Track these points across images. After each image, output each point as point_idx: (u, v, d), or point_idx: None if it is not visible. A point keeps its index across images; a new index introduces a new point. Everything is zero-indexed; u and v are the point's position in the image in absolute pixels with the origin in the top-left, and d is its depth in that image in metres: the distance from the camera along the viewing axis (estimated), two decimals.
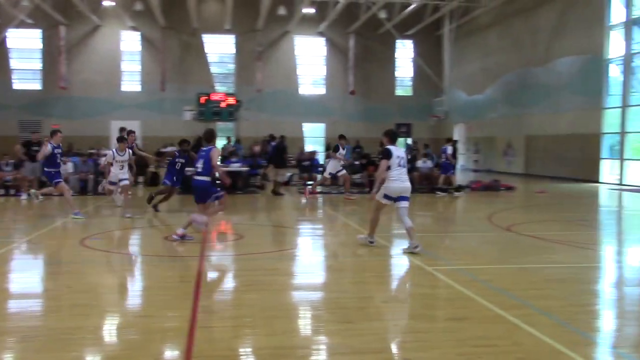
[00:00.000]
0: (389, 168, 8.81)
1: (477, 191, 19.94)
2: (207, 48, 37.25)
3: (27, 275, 7.94)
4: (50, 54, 35.81)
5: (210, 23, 36.65)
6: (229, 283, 7.50)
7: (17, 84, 36.16)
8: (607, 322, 5.88)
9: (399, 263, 8.69)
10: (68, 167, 17.80)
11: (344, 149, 17.85)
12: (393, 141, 9.10)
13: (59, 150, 12.85)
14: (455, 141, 20.86)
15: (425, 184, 19.67)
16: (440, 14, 35.28)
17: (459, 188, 19.22)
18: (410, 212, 11.60)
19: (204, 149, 9.67)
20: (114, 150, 13.48)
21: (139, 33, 36.39)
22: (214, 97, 26.44)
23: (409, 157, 19.19)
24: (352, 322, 5.47)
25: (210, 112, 25.52)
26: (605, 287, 7.41)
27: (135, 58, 36.91)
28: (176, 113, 32.18)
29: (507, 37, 31.73)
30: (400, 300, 6.63)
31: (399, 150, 8.93)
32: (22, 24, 34.01)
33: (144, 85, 36.77)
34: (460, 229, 12.50)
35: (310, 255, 9.50)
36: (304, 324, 5.73)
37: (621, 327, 5.64)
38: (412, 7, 33.08)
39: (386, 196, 8.93)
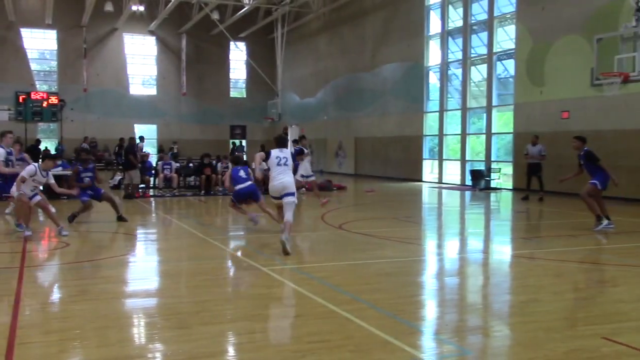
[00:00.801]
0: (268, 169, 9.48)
1: (311, 192, 20.49)
2: (26, 43, 34.61)
3: None
4: None
5: (29, 17, 34.12)
6: (53, 294, 7.04)
7: None
8: (430, 311, 6.32)
9: (234, 265, 8.72)
10: None
11: (308, 148, 17.61)
12: (278, 145, 9.72)
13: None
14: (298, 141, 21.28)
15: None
16: (273, 18, 35.82)
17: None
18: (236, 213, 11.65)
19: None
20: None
21: None
22: (35, 96, 24.67)
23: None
24: (188, 327, 5.38)
25: (30, 112, 23.77)
26: (428, 279, 7.97)
27: None
28: None
29: (336, 43, 32.99)
30: (236, 301, 6.63)
31: (281, 152, 9.51)
32: None
33: None
34: (294, 229, 12.77)
35: (143, 261, 9.20)
36: (138, 332, 5.53)
37: (442, 315, 6.10)
38: (244, 9, 33.23)
39: (272, 196, 9.57)
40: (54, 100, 24.28)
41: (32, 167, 10.89)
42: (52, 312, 6.19)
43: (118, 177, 21.35)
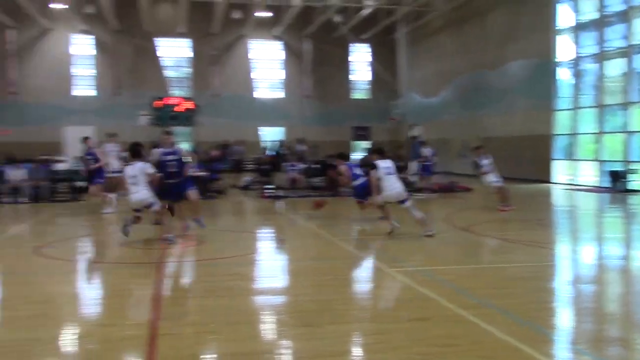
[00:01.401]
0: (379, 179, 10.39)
1: (434, 193, 20.19)
2: (161, 52, 36.80)
3: None
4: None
5: (164, 26, 36.22)
6: (190, 289, 7.42)
7: None
8: (564, 318, 6.02)
9: (359, 265, 8.76)
10: (20, 173, 17.36)
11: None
12: (379, 155, 10.78)
13: None
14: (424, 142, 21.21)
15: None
16: (394, 18, 35.66)
17: (421, 190, 19.45)
18: (371, 214, 11.73)
19: None
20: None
21: (90, 36, 35.72)
22: (170, 101, 26.12)
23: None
24: (314, 326, 5.48)
25: (166, 116, 25.19)
26: (562, 285, 7.60)
27: (89, 62, 36.20)
28: (132, 118, 31.71)
29: (458, 41, 32.28)
30: (361, 302, 6.67)
31: (384, 162, 10.52)
32: None
33: (97, 90, 36.11)
34: (420, 231, 12.63)
35: (271, 260, 9.48)
36: (267, 328, 5.72)
37: (578, 323, 5.79)
38: (366, 11, 33.34)
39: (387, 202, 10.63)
40: (188, 105, 25.58)
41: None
42: (189, 306, 6.52)
43: (248, 178, 22.14)
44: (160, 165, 10.18)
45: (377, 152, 11.09)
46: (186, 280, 7.89)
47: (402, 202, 10.44)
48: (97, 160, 14.92)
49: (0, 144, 31.36)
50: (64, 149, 30.87)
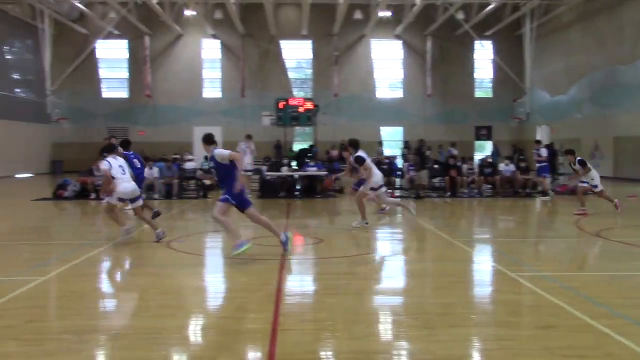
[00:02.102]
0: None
1: (563, 195, 19.27)
2: (285, 54, 37.77)
3: (117, 276, 8.32)
4: (136, 64, 37.29)
5: (288, 29, 37.14)
6: (309, 286, 7.55)
7: (106, 93, 37.84)
8: None
9: (481, 269, 8.52)
10: (154, 172, 18.45)
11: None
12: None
13: None
14: (551, 144, 20.34)
15: (508, 187, 19.22)
16: (521, 13, 34.39)
17: (545, 192, 18.67)
18: (493, 216, 11.39)
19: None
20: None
21: (219, 41, 37.32)
22: (292, 102, 26.71)
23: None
24: (433, 328, 5.39)
25: (288, 117, 25.78)
26: None
27: (216, 65, 37.86)
28: (256, 118, 32.82)
29: (590, 35, 30.54)
30: (482, 306, 6.49)
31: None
32: (109, 35, 35.59)
33: (224, 92, 37.67)
34: (545, 234, 12.11)
35: (389, 260, 9.44)
36: (385, 328, 5.70)
37: None
38: (490, 7, 32.39)
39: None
40: (309, 105, 26.03)
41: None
42: (308, 302, 6.64)
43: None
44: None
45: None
46: (306, 277, 8.03)
47: None
48: None
49: (137, 144, 33.53)
50: (193, 148, 32.48)
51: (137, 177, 12.44)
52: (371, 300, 6.68)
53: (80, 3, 31.65)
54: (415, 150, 23.35)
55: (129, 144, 13.11)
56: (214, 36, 36.90)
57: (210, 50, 37.72)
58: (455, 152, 25.01)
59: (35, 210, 16.56)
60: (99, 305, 6.66)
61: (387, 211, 14.24)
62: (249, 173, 18.73)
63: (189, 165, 20.67)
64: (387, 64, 38.58)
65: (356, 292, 6.84)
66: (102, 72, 37.91)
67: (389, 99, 38.39)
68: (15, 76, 34.48)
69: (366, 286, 7.31)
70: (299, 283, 7.68)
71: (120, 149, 12.52)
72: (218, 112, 36.84)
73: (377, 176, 11.88)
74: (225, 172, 8.70)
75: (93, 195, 17.97)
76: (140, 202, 10.72)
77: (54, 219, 15.27)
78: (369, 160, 11.92)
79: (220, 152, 8.61)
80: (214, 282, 7.83)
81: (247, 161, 18.44)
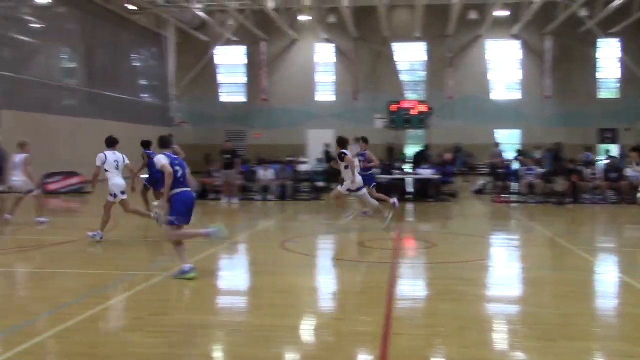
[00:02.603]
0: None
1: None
2: (398, 56, 37.60)
3: (233, 274, 8.62)
4: (253, 69, 38.52)
5: (401, 31, 36.93)
6: (421, 291, 7.46)
7: (224, 97, 39.34)
8: None
9: (605, 279, 8.07)
10: (269, 173, 18.95)
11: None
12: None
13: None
14: None
15: (635, 194, 18.03)
16: None
17: None
18: (618, 224, 10.78)
19: None
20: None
21: (332, 45, 37.77)
22: (405, 105, 26.54)
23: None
24: (552, 340, 5.16)
25: (400, 120, 25.65)
26: None
27: (329, 69, 38.35)
28: (368, 121, 32.93)
29: None
30: (606, 319, 6.14)
31: None
32: (228, 42, 36.98)
33: (337, 95, 38.07)
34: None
35: (505, 267, 9.15)
36: (500, 337, 5.53)
37: None
38: (617, 2, 30.57)
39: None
40: (423, 108, 25.76)
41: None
42: (420, 307, 6.57)
43: (482, 182, 21.67)
44: None
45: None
46: (418, 282, 7.95)
47: None
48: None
49: (253, 146, 34.63)
50: (307, 151, 33.06)
51: (153, 176, 12.60)
52: (486, 308, 6.51)
53: (201, 12, 33.10)
54: (551, 155, 22.48)
55: (149, 145, 13.57)
56: (328, 40, 37.37)
57: (324, 54, 38.25)
58: (592, 157, 23.90)
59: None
60: (216, 301, 6.94)
61: (370, 215, 13.67)
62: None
63: (302, 167, 21.06)
64: (503, 64, 37.40)
65: (469, 299, 6.68)
66: (221, 78, 39.45)
67: (505, 101, 37.19)
68: (142, 82, 36.67)
69: (481, 293, 7.13)
70: (411, 287, 7.61)
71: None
72: (330, 115, 37.26)
73: (358, 178, 11.64)
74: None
75: (212, 196, 18.72)
76: (125, 196, 10.82)
77: None
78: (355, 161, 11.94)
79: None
80: (326, 283, 7.92)
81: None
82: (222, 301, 7.02)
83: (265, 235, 12.16)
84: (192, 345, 5.12)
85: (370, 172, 13.95)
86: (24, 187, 12.33)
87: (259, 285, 7.58)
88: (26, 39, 26.34)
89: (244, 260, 9.82)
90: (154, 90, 37.42)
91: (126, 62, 34.48)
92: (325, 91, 38.40)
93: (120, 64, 33.18)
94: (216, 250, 9.82)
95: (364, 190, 11.72)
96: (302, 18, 34.21)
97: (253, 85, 38.47)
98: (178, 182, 7.63)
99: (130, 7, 31.65)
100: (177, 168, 7.67)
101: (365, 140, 14.90)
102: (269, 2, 31.09)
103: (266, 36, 37.20)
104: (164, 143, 8.17)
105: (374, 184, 13.85)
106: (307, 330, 5.78)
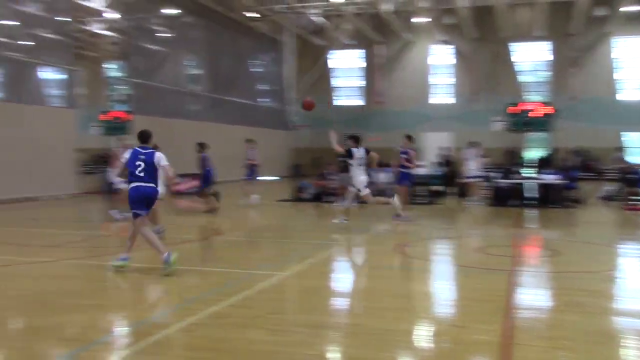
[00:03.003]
0: None
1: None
2: (518, 56, 36.36)
3: (349, 275, 8.69)
4: (368, 71, 38.67)
5: (521, 31, 35.67)
6: (544, 301, 7.16)
7: (340, 100, 39.76)
8: None
9: None
10: (384, 177, 18.90)
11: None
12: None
13: None
14: None
15: None
16: None
17: None
18: None
19: None
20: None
21: (447, 46, 37.14)
22: (526, 106, 25.56)
23: None
24: None
25: (521, 122, 24.77)
26: None
27: (444, 71, 37.75)
28: (484, 124, 32.08)
29: None
30: None
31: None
32: (343, 45, 37.35)
33: (452, 97, 37.41)
34: None
35: (635, 278, 8.59)
36: (629, 354, 5.19)
37: None
38: None
39: None
40: (546, 110, 24.69)
41: None
42: (543, 318, 6.30)
43: (610, 187, 20.45)
44: None
45: None
46: (540, 291, 7.63)
47: None
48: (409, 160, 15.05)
49: (371, 150, 34.72)
50: (422, 154, 32.71)
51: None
52: (614, 322, 6.14)
53: (318, 16, 33.67)
54: None
55: (204, 147, 15.22)
56: (444, 41, 36.81)
57: (439, 55, 37.71)
58: None
59: (278, 210, 17.96)
60: (332, 302, 7.03)
61: (407, 219, 13.25)
62: (477, 179, 18.34)
63: (418, 171, 20.82)
64: (632, 63, 35.14)
65: (595, 311, 6.33)
66: (337, 81, 39.91)
67: (635, 102, 34.92)
68: (261, 87, 37.85)
69: (608, 305, 6.74)
70: (533, 296, 7.32)
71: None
72: (446, 118, 36.66)
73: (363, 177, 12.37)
74: None
75: (328, 198, 18.94)
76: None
77: (293, 219, 16.44)
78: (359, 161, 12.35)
79: None
80: (443, 289, 7.79)
81: (472, 167, 18.14)
82: (339, 302, 7.09)
83: (380, 238, 12.15)
84: (309, 345, 5.21)
85: (407, 170, 13.98)
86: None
87: (374, 288, 7.59)
88: (155, 47, 27.99)
89: (360, 263, 9.86)
90: (273, 95, 38.52)
91: (246, 68, 35.76)
92: (440, 93, 37.87)
93: (240, 70, 34.47)
94: (332, 252, 9.94)
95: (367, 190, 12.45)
96: (417, 20, 33.91)
97: (369, 87, 38.65)
98: (133, 175, 7.99)
99: (250, 14, 32.75)
100: (138, 162, 7.96)
101: (409, 137, 14.73)
102: (384, 5, 31.07)
103: (382, 39, 37.22)
104: (144, 138, 8.34)
105: (409, 184, 13.93)
106: (423, 335, 5.72)
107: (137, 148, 8.19)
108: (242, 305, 6.40)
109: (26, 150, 18.70)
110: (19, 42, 21.71)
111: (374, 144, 35.59)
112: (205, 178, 15.32)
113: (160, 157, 8.08)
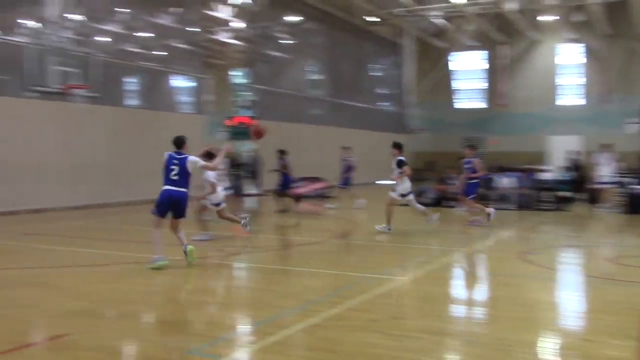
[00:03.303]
0: None
1: None
2: None
3: (470, 283, 8.47)
4: (491, 73, 37.59)
5: None
6: None
7: (461, 103, 38.96)
8: None
9: None
10: (509, 181, 18.32)
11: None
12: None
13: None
14: None
15: None
16: None
17: None
18: None
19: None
20: None
21: (576, 44, 35.31)
22: None
23: None
24: None
25: None
26: None
27: (572, 70, 35.94)
28: (617, 126, 30.21)
29: None
30: None
31: None
32: (465, 47, 36.55)
33: (582, 98, 35.52)
34: None
35: None
36: None
37: None
38: None
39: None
40: None
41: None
42: None
43: None
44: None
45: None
46: None
47: None
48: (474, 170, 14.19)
49: (490, 153, 33.78)
50: (548, 158, 31.33)
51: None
52: None
53: (439, 19, 33.16)
54: None
55: (284, 153, 15.95)
56: (573, 39, 35.03)
57: (568, 54, 35.95)
58: None
59: (396, 214, 17.84)
60: (452, 309, 6.88)
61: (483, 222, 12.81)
62: (610, 185, 17.29)
63: (544, 175, 19.97)
64: None
65: None
66: (458, 84, 39.14)
67: None
68: (380, 91, 37.89)
69: None
70: None
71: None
72: (575, 120, 34.86)
73: (408, 183, 12.38)
74: None
75: (448, 203, 18.60)
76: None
77: (412, 223, 16.27)
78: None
79: None
80: (570, 300, 7.40)
81: (605, 172, 17.12)
82: (458, 310, 6.93)
83: (503, 245, 11.77)
84: (429, 351, 5.13)
85: (475, 180, 13.23)
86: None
87: (496, 296, 7.36)
88: (278, 54, 28.80)
89: (481, 270, 9.59)
90: (392, 99, 38.45)
91: (366, 72, 35.96)
92: (568, 94, 36.09)
93: (360, 74, 34.70)
94: (453, 258, 9.75)
95: (412, 196, 12.57)
96: (544, 18, 32.52)
97: (491, 90, 37.58)
98: (167, 179, 8.50)
99: (371, 18, 32.87)
100: (173, 167, 8.47)
101: (472, 146, 13.95)
102: (509, 3, 30.06)
103: (505, 39, 36.07)
104: (179, 143, 8.81)
105: (474, 195, 13.15)
106: (550, 348, 5.45)
107: (172, 153, 8.67)
108: (361, 309, 6.42)
109: (160, 154, 19.84)
110: (154, 53, 23.14)
111: (494, 147, 34.65)
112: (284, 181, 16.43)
113: (193, 161, 8.65)
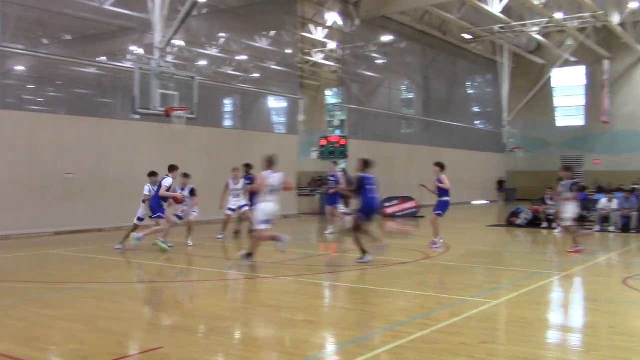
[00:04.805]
0: None
1: None
2: None
3: (567, 308, 8.13)
4: (593, 89, 36.06)
5: None
6: None
7: (560, 121, 37.59)
8: None
9: None
10: (612, 203, 17.50)
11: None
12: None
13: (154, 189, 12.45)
14: None
15: None
16: None
17: None
18: None
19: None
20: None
21: None
22: None
23: None
24: None
25: None
26: None
27: None
28: None
29: None
30: None
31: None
32: (566, 63, 35.27)
33: None
34: None
35: None
36: None
37: None
38: None
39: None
40: None
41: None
42: None
43: None
44: None
45: None
46: None
47: None
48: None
49: (590, 173, 32.38)
50: None
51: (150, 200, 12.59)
52: None
53: (537, 34, 32.22)
54: None
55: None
56: None
57: None
58: None
59: (489, 235, 17.44)
60: (546, 335, 6.62)
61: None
62: None
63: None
64: None
65: None
66: (557, 101, 37.82)
67: None
68: (475, 109, 37.21)
69: None
70: None
71: None
72: None
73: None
74: None
75: (545, 224, 17.98)
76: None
77: (506, 245, 15.83)
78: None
79: None
80: None
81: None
82: (554, 336, 6.66)
83: (604, 269, 11.21)
84: None
85: (444, 198, 12.49)
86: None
87: (594, 322, 7.02)
88: (371, 74, 28.95)
89: (580, 295, 9.18)
90: (487, 117, 37.68)
91: (460, 90, 35.46)
92: None
93: (454, 93, 34.26)
94: (548, 282, 9.40)
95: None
96: None
97: (593, 106, 36.01)
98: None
99: (466, 36, 32.43)
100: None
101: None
102: (612, 17, 28.82)
103: (609, 54, 34.55)
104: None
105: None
106: None
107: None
108: (450, 332, 6.30)
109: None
110: (250, 75, 23.87)
111: (595, 167, 33.22)
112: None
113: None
